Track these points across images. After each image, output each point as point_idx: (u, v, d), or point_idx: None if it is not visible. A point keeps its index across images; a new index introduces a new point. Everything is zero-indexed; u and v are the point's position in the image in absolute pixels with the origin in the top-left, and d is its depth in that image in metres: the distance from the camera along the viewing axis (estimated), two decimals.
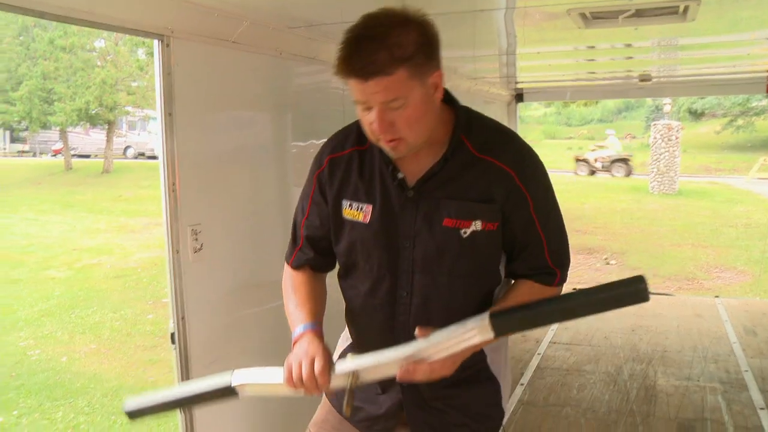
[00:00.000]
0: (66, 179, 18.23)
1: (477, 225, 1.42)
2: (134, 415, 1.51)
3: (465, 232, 1.42)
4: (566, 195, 16.61)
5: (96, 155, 22.82)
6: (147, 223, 12.05)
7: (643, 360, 4.51)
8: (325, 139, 1.59)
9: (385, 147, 1.38)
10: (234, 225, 2.29)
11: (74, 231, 12.40)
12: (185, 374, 2.04)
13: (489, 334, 1.29)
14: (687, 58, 4.16)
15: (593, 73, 5.16)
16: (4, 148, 26.59)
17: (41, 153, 25.71)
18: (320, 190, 1.53)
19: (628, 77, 5.36)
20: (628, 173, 19.44)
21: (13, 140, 27.26)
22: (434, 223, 1.43)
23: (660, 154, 16.75)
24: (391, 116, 1.32)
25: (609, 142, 20.45)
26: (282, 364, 1.43)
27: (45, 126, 20.64)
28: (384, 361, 1.37)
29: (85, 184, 17.12)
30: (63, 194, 16.23)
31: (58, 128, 20.38)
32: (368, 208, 1.47)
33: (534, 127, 30.09)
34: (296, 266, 1.60)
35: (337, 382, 1.39)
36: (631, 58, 4.17)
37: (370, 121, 1.34)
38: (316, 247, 1.58)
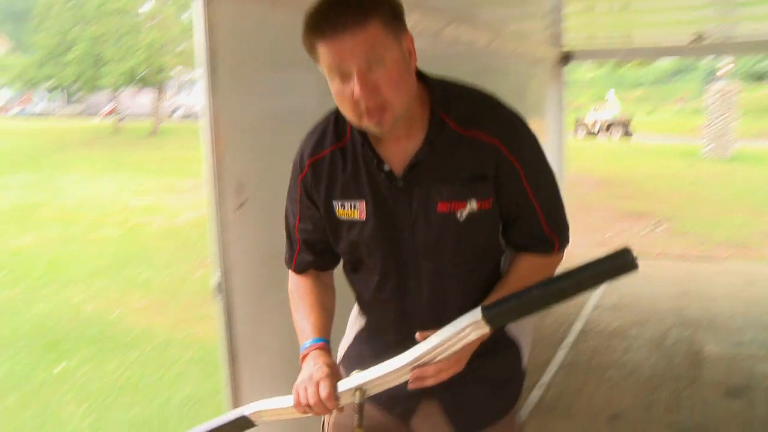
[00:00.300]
0: (116, 141, 18.68)
1: (472, 205, 1.37)
2: None
3: (461, 215, 1.37)
4: (615, 160, 16.30)
5: (144, 117, 23.23)
6: (194, 184, 12.27)
7: (691, 325, 4.44)
8: None
9: (369, 124, 1.29)
10: (277, 182, 2.30)
11: (124, 191, 12.71)
12: (229, 326, 2.08)
13: (485, 329, 1.27)
14: (747, 15, 3.99)
15: (646, 30, 4.98)
16: (59, 111, 27.25)
17: (92, 115, 26.29)
18: (307, 194, 1.47)
19: (684, 36, 5.16)
20: (627, 135, 19.15)
21: (69, 102, 27.91)
22: (429, 209, 1.38)
23: (714, 118, 16.21)
24: (372, 78, 1.24)
25: (609, 104, 20.04)
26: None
27: (95, 88, 21.06)
28: (389, 372, 1.36)
29: (134, 146, 17.51)
30: (113, 155, 16.63)
31: (108, 90, 20.79)
32: (361, 205, 1.41)
33: (583, 91, 29.37)
34: (299, 270, 1.57)
35: (346, 399, 1.39)
36: (688, 14, 4.02)
37: (350, 92, 1.25)
38: (313, 250, 1.54)
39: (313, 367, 1.39)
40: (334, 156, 1.42)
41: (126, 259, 7.97)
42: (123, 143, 18.63)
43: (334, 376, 1.39)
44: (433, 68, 1.43)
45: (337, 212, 1.44)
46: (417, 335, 1.33)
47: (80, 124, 23.20)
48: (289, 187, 1.51)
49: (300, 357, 1.45)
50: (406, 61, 1.29)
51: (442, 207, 1.37)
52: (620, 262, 1.16)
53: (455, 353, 1.31)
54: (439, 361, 1.32)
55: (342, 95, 1.27)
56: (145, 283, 7.00)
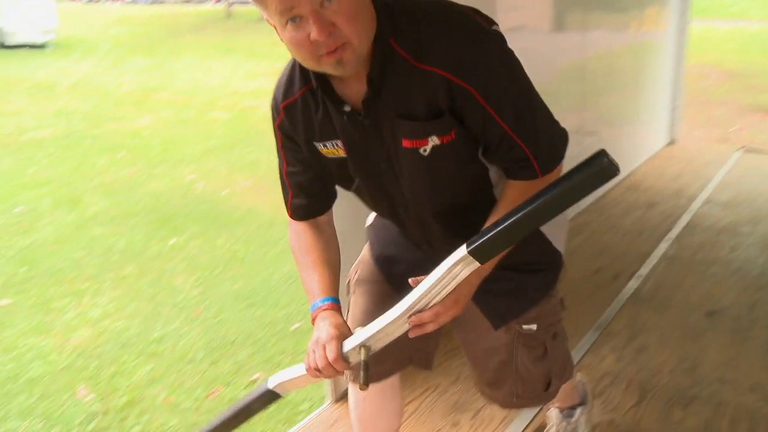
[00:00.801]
0: (227, 26, 18.95)
1: (434, 140, 1.27)
2: None
3: (425, 150, 1.29)
4: (745, 51, 14.94)
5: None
6: None
7: None
8: None
9: (330, 65, 1.19)
10: None
11: (235, 75, 12.99)
12: None
13: (474, 264, 1.20)
14: None
15: None
16: None
17: (204, 1, 26.63)
18: (287, 137, 1.42)
19: None
20: None
21: None
22: (394, 145, 1.31)
23: None
24: (327, 16, 1.13)
25: None
26: None
27: None
28: (388, 324, 1.32)
29: (245, 30, 17.74)
30: (224, 40, 16.92)
31: None
32: (340, 143, 1.36)
33: None
34: (297, 217, 1.53)
35: (354, 358, 1.37)
36: None
37: (305, 36, 1.14)
38: (305, 192, 1.49)
39: (320, 330, 1.38)
40: (306, 98, 1.34)
41: (235, 141, 8.26)
42: (234, 28, 18.87)
43: (342, 336, 1.36)
44: None
45: (321, 151, 1.39)
46: (410, 281, 1.29)
47: (193, 9, 23.67)
48: (274, 135, 1.46)
49: (311, 318, 1.44)
50: None
51: (405, 143, 1.29)
52: (596, 169, 1.05)
53: (452, 293, 1.26)
54: (436, 304, 1.27)
55: (296, 41, 1.16)
56: (252, 164, 7.26)
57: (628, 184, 5.10)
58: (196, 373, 3.43)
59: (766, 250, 3.77)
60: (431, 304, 1.28)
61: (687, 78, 6.19)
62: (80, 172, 6.90)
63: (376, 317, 1.38)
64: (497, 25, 1.30)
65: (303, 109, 1.35)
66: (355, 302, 1.67)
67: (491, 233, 1.17)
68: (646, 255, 3.68)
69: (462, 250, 1.19)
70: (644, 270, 3.49)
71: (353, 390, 1.81)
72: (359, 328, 1.36)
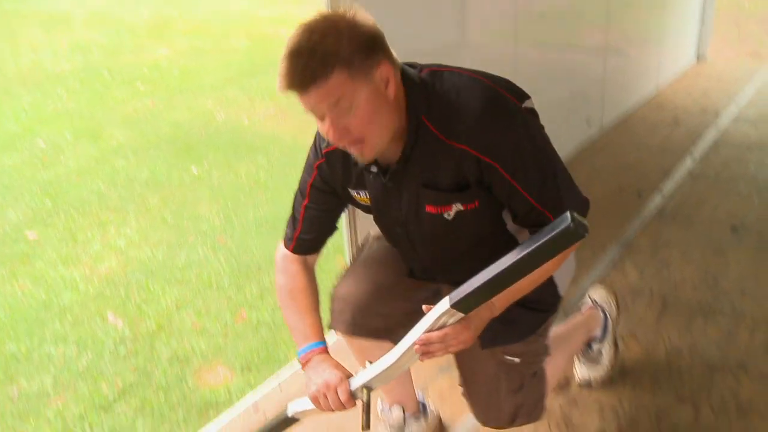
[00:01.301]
0: None
1: (458, 207, 1.39)
2: None
3: (449, 215, 1.40)
4: None
5: None
6: None
7: None
8: None
9: (352, 152, 1.32)
10: None
11: (253, 3, 12.73)
12: None
13: (459, 315, 1.27)
14: None
15: None
16: None
17: None
18: (322, 178, 1.51)
19: None
20: None
21: None
22: (418, 210, 1.42)
23: None
24: (343, 121, 1.23)
25: None
26: None
27: None
28: (388, 367, 1.38)
29: None
30: None
31: None
32: (367, 194, 1.48)
33: None
34: (299, 251, 1.59)
35: (357, 397, 1.44)
36: None
37: (325, 131, 1.26)
38: (315, 229, 1.58)
39: (325, 374, 1.44)
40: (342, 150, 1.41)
41: (254, 69, 8.17)
42: None
43: (346, 377, 1.43)
44: None
45: (355, 197, 1.51)
46: (423, 307, 1.32)
47: None
48: (304, 170, 1.55)
49: (300, 360, 1.50)
50: (381, 92, 1.25)
51: (429, 209, 1.40)
52: (565, 235, 1.09)
53: (462, 319, 1.29)
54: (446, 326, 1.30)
55: (321, 130, 1.29)
56: (272, 92, 7.18)
57: (655, 103, 4.97)
58: (222, 298, 3.50)
59: None
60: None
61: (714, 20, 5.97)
62: (100, 105, 6.91)
63: (387, 267, 1.55)
64: (530, 98, 1.40)
65: (342, 157, 1.44)
66: (370, 248, 1.74)
67: (471, 288, 1.23)
68: (671, 172, 3.61)
69: (445, 304, 1.26)
70: (668, 187, 3.44)
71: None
72: (362, 369, 1.43)
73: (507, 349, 1.56)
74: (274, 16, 11.23)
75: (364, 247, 1.77)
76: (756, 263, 2.73)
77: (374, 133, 1.27)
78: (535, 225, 1.37)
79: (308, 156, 1.55)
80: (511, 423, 1.64)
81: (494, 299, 1.34)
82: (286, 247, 1.61)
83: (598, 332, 2.04)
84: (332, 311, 1.65)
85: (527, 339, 1.56)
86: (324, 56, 1.17)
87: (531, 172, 1.32)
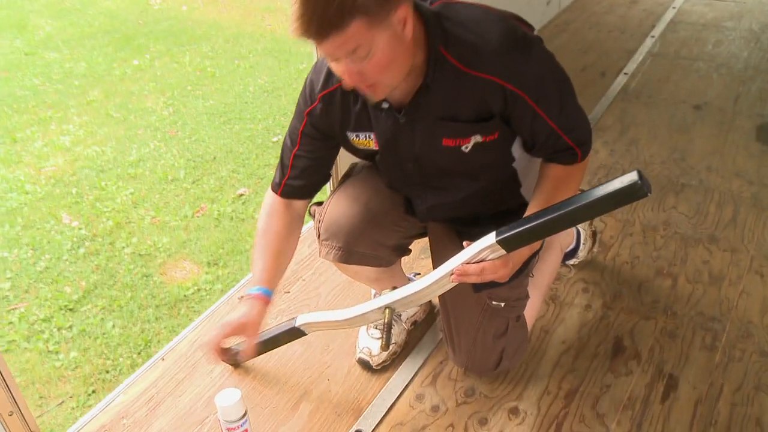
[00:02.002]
0: None
1: (477, 138, 1.37)
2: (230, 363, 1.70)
3: (467, 147, 1.38)
4: None
5: None
6: None
7: None
8: None
9: (364, 93, 1.29)
10: None
11: None
12: None
13: (500, 252, 1.27)
14: None
15: None
16: None
17: None
18: (313, 125, 1.47)
19: None
20: None
21: None
22: (433, 143, 1.39)
23: None
24: (359, 67, 1.19)
25: None
26: None
27: None
28: (415, 292, 1.38)
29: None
30: None
31: None
32: (373, 135, 1.43)
33: None
34: (286, 195, 1.56)
35: (376, 315, 1.44)
36: None
37: (340, 72, 1.23)
38: (306, 176, 1.53)
39: (232, 314, 1.48)
40: (342, 89, 1.38)
41: None
42: None
43: (239, 331, 1.46)
44: None
45: (352, 141, 1.46)
46: (464, 243, 1.32)
47: None
48: (294, 116, 1.50)
49: (240, 296, 1.54)
50: (398, 36, 1.19)
51: (446, 142, 1.38)
52: (628, 190, 1.09)
53: (503, 256, 1.28)
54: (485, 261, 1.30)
55: (335, 70, 1.25)
56: None
57: None
58: (179, 192, 3.39)
59: (748, 44, 3.70)
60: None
61: None
62: None
63: (379, 194, 1.54)
64: (534, 28, 1.41)
65: (342, 99, 1.40)
66: (359, 172, 1.68)
67: (520, 228, 1.23)
68: (632, 52, 3.59)
69: (491, 238, 1.26)
70: (630, 66, 3.42)
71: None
72: (387, 289, 1.45)
73: (493, 293, 1.56)
74: None
75: (351, 172, 1.68)
76: (719, 140, 2.78)
77: (389, 77, 1.24)
78: (552, 151, 1.41)
79: (298, 103, 1.48)
80: (495, 367, 1.64)
81: None
82: (274, 191, 1.57)
83: (572, 245, 2.03)
84: (320, 236, 1.58)
85: (519, 278, 1.54)
86: (341, 4, 1.09)
87: (552, 98, 1.34)
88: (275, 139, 3.91)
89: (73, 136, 3.93)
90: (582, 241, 1.98)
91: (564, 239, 1.92)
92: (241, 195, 3.40)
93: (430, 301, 1.88)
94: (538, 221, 1.23)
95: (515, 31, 1.30)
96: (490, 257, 1.30)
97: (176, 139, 3.92)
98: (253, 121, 4.13)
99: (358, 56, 1.17)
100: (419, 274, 1.96)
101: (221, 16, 5.93)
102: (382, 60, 1.19)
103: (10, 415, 1.27)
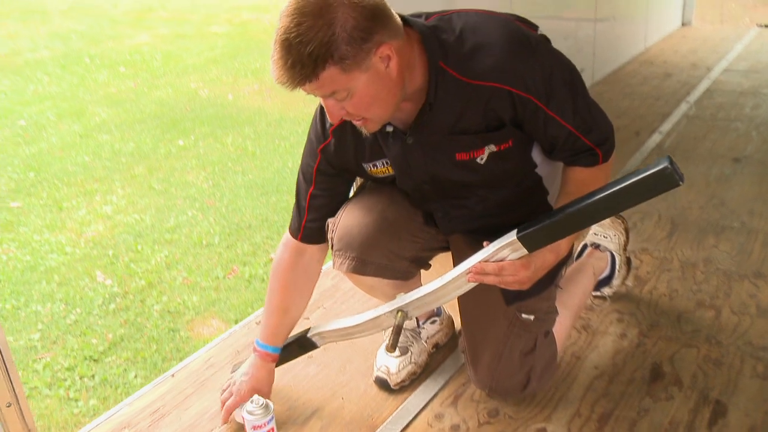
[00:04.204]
0: None
1: (491, 148, 1.32)
2: None
3: (482, 159, 1.33)
4: None
5: None
6: None
7: None
8: None
9: (358, 127, 1.28)
10: None
11: None
12: None
13: (521, 250, 1.23)
14: None
15: None
16: None
17: None
18: (327, 161, 1.43)
19: None
20: None
21: None
22: (446, 159, 1.34)
23: None
24: (341, 106, 1.19)
25: None
26: None
27: None
28: (426, 295, 1.34)
29: None
30: None
31: None
32: (387, 162, 1.40)
33: None
34: (307, 240, 1.53)
35: (388, 319, 1.40)
36: None
37: (327, 111, 1.22)
38: (323, 215, 1.51)
39: (244, 376, 1.54)
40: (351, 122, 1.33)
41: (236, 51, 8.07)
42: None
43: (246, 396, 1.48)
44: None
45: (370, 171, 1.43)
46: (484, 243, 1.28)
47: None
48: (305, 155, 1.47)
49: (253, 348, 1.56)
50: (380, 74, 1.17)
51: (460, 156, 1.33)
52: (660, 179, 1.04)
53: (524, 257, 1.23)
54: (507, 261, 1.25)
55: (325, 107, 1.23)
56: (256, 71, 7.10)
57: (643, 59, 4.93)
58: (213, 255, 3.41)
59: None
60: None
61: None
62: (82, 87, 6.77)
63: (396, 204, 1.48)
64: (538, 27, 1.36)
65: (353, 131, 1.35)
66: (371, 186, 1.60)
67: (542, 223, 1.17)
68: (667, 115, 3.57)
69: (512, 235, 1.21)
70: (665, 126, 3.39)
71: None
72: (401, 293, 1.39)
73: (523, 305, 1.46)
74: (254, 4, 11.13)
75: (366, 184, 1.63)
76: (761, 187, 2.68)
77: (375, 112, 1.22)
78: (571, 154, 1.34)
79: (309, 140, 1.46)
80: (523, 389, 1.51)
81: (561, 240, 1.28)
82: (294, 236, 1.53)
83: (606, 272, 1.92)
84: (333, 245, 1.51)
85: (549, 288, 1.47)
86: (313, 53, 1.09)
87: (563, 98, 1.28)
88: None
89: (115, 206, 4.03)
90: (617, 267, 1.88)
91: (597, 263, 1.83)
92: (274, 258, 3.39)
93: (453, 324, 1.79)
94: (562, 214, 1.17)
95: (516, 33, 1.26)
96: (510, 257, 1.23)
97: (213, 208, 3.98)
98: (290, 193, 4.15)
99: (338, 98, 1.17)
100: None
101: (265, 103, 6.16)
102: (363, 99, 1.17)
103: (8, 406, 1.23)
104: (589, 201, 1.15)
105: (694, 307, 1.89)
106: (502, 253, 1.23)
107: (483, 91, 1.24)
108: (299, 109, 5.87)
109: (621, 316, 1.87)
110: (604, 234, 1.86)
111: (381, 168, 1.41)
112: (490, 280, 1.27)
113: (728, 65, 4.60)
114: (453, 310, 1.78)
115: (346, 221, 1.49)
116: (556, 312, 1.54)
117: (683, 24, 6.23)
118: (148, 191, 4.25)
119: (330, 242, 1.52)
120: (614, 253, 1.86)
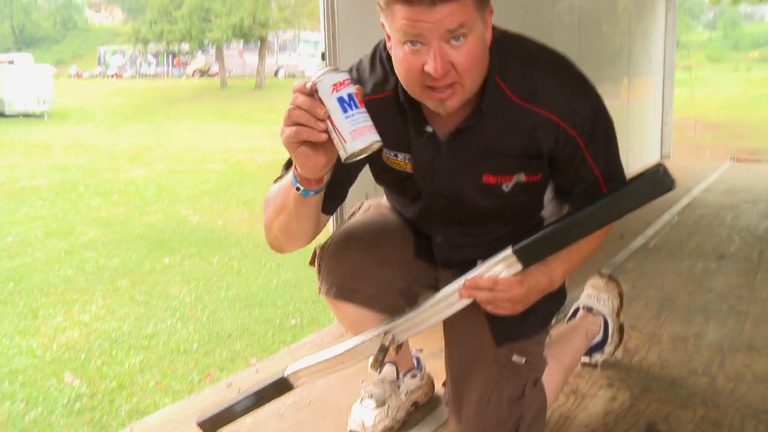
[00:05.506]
0: (223, 95, 19.35)
1: (520, 177, 1.28)
2: (206, 427, 1.43)
3: (507, 186, 1.29)
4: (733, 106, 15.36)
5: (249, 76, 23.89)
6: None
7: None
8: None
9: (431, 100, 1.16)
10: None
11: (230, 136, 13.15)
12: None
13: (516, 266, 1.20)
14: None
15: None
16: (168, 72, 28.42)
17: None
18: None
19: None
20: None
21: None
22: (472, 179, 1.29)
23: None
24: (450, 54, 1.10)
25: None
26: None
27: (202, 45, 21.97)
28: (415, 314, 1.28)
29: (240, 99, 18.15)
30: (220, 107, 17.24)
31: (214, 47, 21.61)
32: (409, 158, 1.31)
33: (695, 51, 27.97)
34: None
35: (375, 343, 1.29)
36: None
37: (419, 64, 1.11)
38: (331, 193, 1.30)
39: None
40: (388, 101, 1.28)
41: (229, 184, 8.25)
42: (230, 97, 19.29)
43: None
44: None
45: (386, 159, 1.34)
46: (479, 261, 1.24)
47: (189, 82, 24.32)
48: None
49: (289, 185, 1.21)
50: (485, 38, 1.15)
51: (487, 179, 1.28)
52: (652, 182, 1.08)
53: (519, 274, 1.21)
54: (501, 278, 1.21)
55: (409, 66, 1.13)
56: (247, 202, 7.22)
57: None
58: (190, 361, 3.27)
59: (767, 218, 3.70)
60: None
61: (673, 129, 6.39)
62: (74, 211, 6.84)
63: (389, 233, 1.40)
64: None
65: (384, 110, 1.25)
66: (363, 214, 1.53)
67: (537, 235, 1.17)
68: (650, 222, 3.60)
69: (507, 250, 1.19)
70: (650, 231, 3.41)
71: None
72: (386, 320, 1.31)
73: (516, 346, 1.37)
74: (249, 147, 11.53)
75: (358, 211, 1.57)
76: (747, 278, 2.65)
77: (472, 78, 1.15)
78: (587, 200, 1.25)
79: None
80: None
81: (555, 265, 1.26)
82: None
83: (599, 337, 1.83)
84: (320, 271, 1.44)
85: (542, 332, 1.42)
86: None
87: (601, 144, 1.26)
88: (293, 322, 3.84)
89: (93, 315, 3.93)
90: (609, 332, 1.80)
91: (590, 327, 1.76)
92: (252, 365, 3.26)
93: (433, 384, 1.68)
94: (557, 225, 1.16)
95: (573, 69, 1.26)
96: (504, 273, 1.19)
97: (194, 318, 3.88)
98: (273, 306, 4.10)
99: (457, 36, 1.08)
100: (422, 350, 1.78)
101: (254, 229, 6.19)
102: (473, 53, 1.11)
103: None
104: (585, 211, 1.13)
105: (687, 375, 1.80)
106: (497, 269, 1.20)
107: (533, 116, 1.21)
108: None
109: (611, 381, 1.77)
110: (597, 296, 1.80)
111: (400, 161, 1.32)
112: (483, 295, 1.21)
113: (707, 187, 4.73)
114: (435, 370, 1.68)
115: (335, 247, 1.43)
116: (545, 361, 1.46)
117: (662, 157, 6.47)
118: (129, 302, 4.16)
119: (317, 267, 1.45)
120: (607, 317, 1.79)
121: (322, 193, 1.20)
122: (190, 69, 27.87)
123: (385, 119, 1.23)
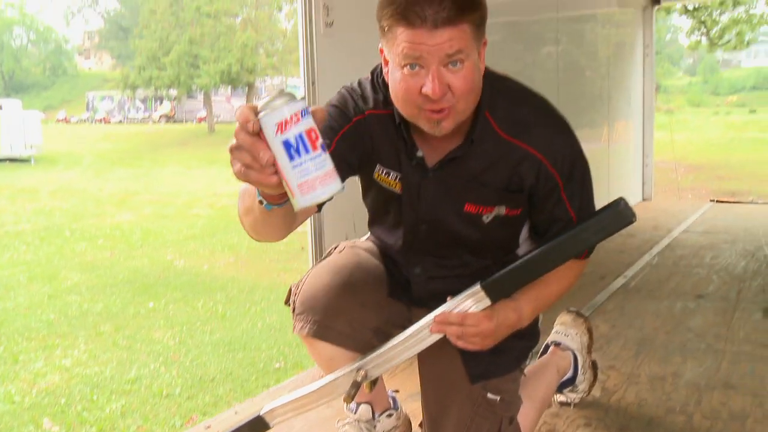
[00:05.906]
0: (210, 140, 19.47)
1: (501, 210, 1.34)
2: None
3: (487, 218, 1.35)
4: (713, 149, 15.66)
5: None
6: None
7: None
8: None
9: (427, 122, 1.20)
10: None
11: (216, 181, 13.20)
12: None
13: (484, 300, 1.24)
14: None
15: None
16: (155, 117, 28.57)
17: (188, 121, 27.50)
18: (357, 132, 1.32)
19: None
20: None
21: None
22: (455, 207, 1.34)
23: None
24: (447, 77, 1.15)
25: None
26: None
27: (190, 90, 22.17)
28: (387, 350, 1.29)
29: (227, 144, 18.12)
30: (207, 153, 17.33)
31: (202, 93, 21.82)
32: (400, 178, 1.35)
33: (677, 96, 28.56)
34: None
35: (347, 380, 1.30)
36: None
37: (417, 86, 1.15)
38: None
39: None
40: (387, 119, 1.32)
41: (215, 230, 8.26)
42: (217, 142, 19.39)
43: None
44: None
45: (377, 175, 1.37)
46: (448, 297, 1.27)
47: (176, 127, 24.46)
48: (333, 111, 1.32)
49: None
50: (479, 67, 1.21)
51: (468, 208, 1.34)
52: (614, 215, 1.13)
53: (487, 309, 1.24)
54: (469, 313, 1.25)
55: (406, 88, 1.18)
56: (233, 246, 7.22)
57: None
58: (172, 405, 3.25)
59: (745, 257, 3.75)
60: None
61: (654, 171, 6.52)
62: (59, 255, 6.82)
63: (365, 272, 1.42)
64: None
65: (383, 127, 1.32)
66: (339, 254, 1.53)
67: (503, 271, 1.21)
68: (630, 264, 3.64)
69: (476, 285, 1.22)
70: (629, 272, 3.45)
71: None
72: (360, 357, 1.33)
73: (490, 384, 1.39)
74: (235, 191, 11.50)
75: (333, 251, 1.57)
76: (725, 316, 2.68)
77: (466, 103, 1.20)
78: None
79: (343, 97, 1.34)
80: None
81: (523, 302, 1.30)
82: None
83: (570, 373, 1.84)
84: (295, 309, 1.44)
85: (515, 371, 1.44)
86: (463, 2, 1.12)
87: (577, 185, 1.32)
88: (278, 366, 3.83)
89: (75, 359, 3.90)
90: (580, 367, 1.81)
91: (560, 362, 1.77)
92: (235, 410, 3.24)
93: (410, 425, 1.68)
94: (523, 259, 1.19)
95: (555, 110, 1.32)
96: (473, 308, 1.22)
97: (178, 362, 3.87)
98: (257, 350, 4.09)
99: (455, 61, 1.14)
100: (398, 391, 1.78)
101: (240, 273, 6.19)
102: (469, 76, 1.16)
103: None
104: (547, 244, 1.16)
105: (665, 414, 1.81)
106: (466, 303, 1.23)
107: (518, 151, 1.27)
108: (272, 278, 5.90)
109: (588, 420, 1.78)
110: (565, 332, 1.82)
111: (391, 180, 1.36)
112: (452, 330, 1.24)
113: (687, 227, 4.79)
114: (413, 412, 1.69)
115: (310, 284, 1.43)
116: (521, 399, 1.47)
117: (644, 199, 6.55)
118: (112, 346, 4.14)
119: (292, 305, 1.46)
120: (576, 352, 1.81)
121: (288, 204, 1.07)
122: (156, 114, 28.46)
123: (382, 136, 1.32)
